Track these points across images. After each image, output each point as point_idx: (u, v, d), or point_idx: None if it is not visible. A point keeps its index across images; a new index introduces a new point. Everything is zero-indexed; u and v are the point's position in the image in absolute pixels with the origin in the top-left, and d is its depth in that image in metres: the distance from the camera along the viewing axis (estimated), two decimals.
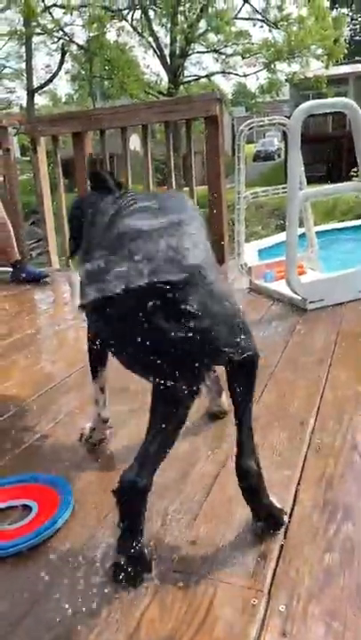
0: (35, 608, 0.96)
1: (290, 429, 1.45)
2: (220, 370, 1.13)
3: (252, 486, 1.07)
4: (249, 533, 1.08)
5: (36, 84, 23.37)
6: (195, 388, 0.97)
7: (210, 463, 1.32)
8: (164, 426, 0.98)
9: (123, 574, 0.97)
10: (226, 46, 21.88)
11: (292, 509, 1.14)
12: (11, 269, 3.57)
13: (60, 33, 22.23)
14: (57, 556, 1.07)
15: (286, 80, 22.79)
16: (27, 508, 1.20)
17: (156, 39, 22.11)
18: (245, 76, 23.47)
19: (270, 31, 21.71)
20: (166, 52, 22.02)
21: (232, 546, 1.06)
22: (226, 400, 1.49)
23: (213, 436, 1.44)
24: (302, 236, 2.89)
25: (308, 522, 1.10)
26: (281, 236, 3.58)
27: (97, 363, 1.42)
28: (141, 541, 0.99)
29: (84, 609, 0.94)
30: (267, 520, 1.08)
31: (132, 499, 0.98)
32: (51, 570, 1.04)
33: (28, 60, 22.46)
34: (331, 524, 1.09)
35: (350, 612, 0.90)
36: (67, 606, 0.95)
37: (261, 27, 22.26)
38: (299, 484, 1.22)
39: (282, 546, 1.04)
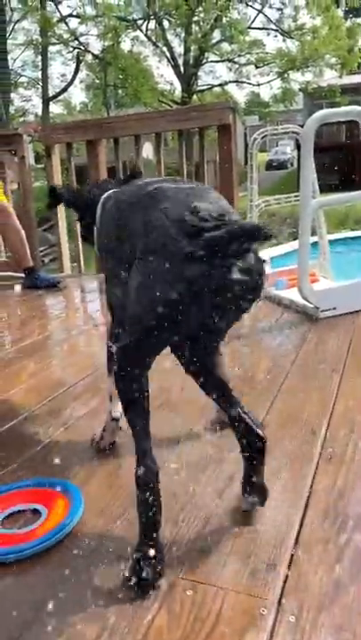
0: (42, 613, 0.95)
1: (301, 438, 1.44)
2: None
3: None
4: (259, 542, 1.07)
5: (51, 92, 23.67)
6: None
7: (220, 471, 1.32)
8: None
9: (136, 577, 0.97)
10: (240, 56, 22.01)
11: (303, 519, 1.13)
12: (24, 276, 3.61)
13: (76, 42, 22.52)
14: (65, 561, 1.07)
15: (300, 89, 22.83)
16: (36, 513, 1.21)
17: (171, 49, 22.30)
18: (259, 85, 23.58)
19: (284, 41, 21.83)
20: (180, 61, 22.20)
21: (242, 554, 1.05)
22: None
23: (223, 443, 1.43)
24: (314, 244, 2.88)
25: (318, 531, 1.09)
26: (293, 244, 3.57)
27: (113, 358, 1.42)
28: (159, 541, 1.01)
29: (91, 614, 0.94)
30: (254, 491, 1.14)
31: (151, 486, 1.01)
32: (59, 575, 1.04)
33: (44, 69, 22.76)
34: (342, 534, 1.08)
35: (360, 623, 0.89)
36: (74, 612, 0.94)
37: (275, 36, 22.41)
38: (310, 492, 1.21)
39: (292, 555, 1.03)
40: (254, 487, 1.15)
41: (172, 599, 0.95)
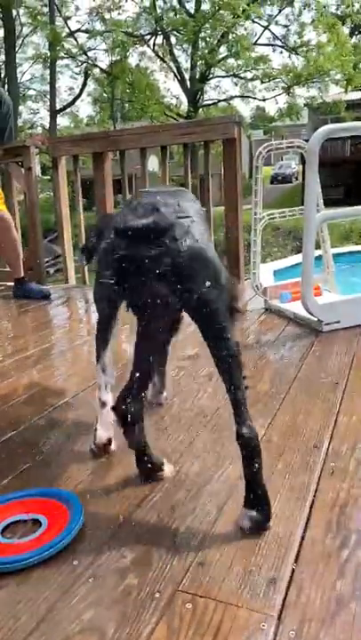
0: (41, 624, 0.95)
1: (303, 452, 1.44)
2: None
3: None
4: (260, 556, 1.07)
5: (58, 105, 23.95)
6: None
7: (221, 483, 1.31)
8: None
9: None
10: (245, 71, 22.24)
11: (305, 533, 1.12)
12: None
13: (84, 57, 22.83)
14: (65, 572, 1.06)
15: (305, 104, 23.03)
16: (36, 523, 1.20)
17: (177, 64, 22.58)
18: (264, 99, 23.79)
19: (290, 57, 22.07)
20: (187, 76, 22.45)
21: (242, 568, 1.04)
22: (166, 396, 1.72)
23: (225, 455, 1.43)
24: (318, 258, 2.89)
25: (320, 546, 1.08)
26: (297, 258, 3.57)
27: (101, 346, 1.47)
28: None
29: (90, 626, 0.93)
30: (255, 508, 1.12)
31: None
32: (58, 585, 1.03)
33: (52, 83, 23.04)
34: (343, 550, 1.07)
35: None
36: (73, 623, 0.94)
37: (281, 52, 22.66)
38: (311, 507, 1.21)
39: (293, 570, 1.03)
40: (254, 498, 1.13)
41: (171, 612, 0.95)
